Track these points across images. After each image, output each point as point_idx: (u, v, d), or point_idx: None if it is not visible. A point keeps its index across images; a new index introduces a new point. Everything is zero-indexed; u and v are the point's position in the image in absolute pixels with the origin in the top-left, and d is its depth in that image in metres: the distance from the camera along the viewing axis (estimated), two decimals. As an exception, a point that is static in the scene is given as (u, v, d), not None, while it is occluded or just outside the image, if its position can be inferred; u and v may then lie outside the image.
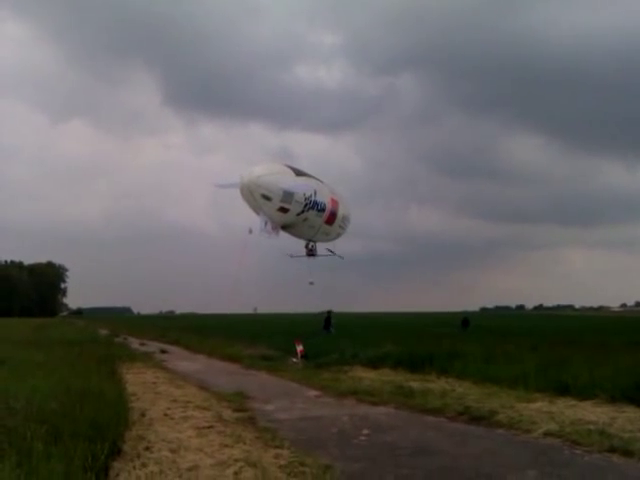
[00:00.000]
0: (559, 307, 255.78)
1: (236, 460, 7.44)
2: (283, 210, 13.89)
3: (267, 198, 13.60)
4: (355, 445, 9.08)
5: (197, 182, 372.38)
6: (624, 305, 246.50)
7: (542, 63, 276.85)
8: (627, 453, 8.07)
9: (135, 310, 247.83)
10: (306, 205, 14.29)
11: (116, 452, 7.73)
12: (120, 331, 50.13)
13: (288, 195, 13.81)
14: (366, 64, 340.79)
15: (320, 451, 8.33)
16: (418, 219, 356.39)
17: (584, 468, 7.58)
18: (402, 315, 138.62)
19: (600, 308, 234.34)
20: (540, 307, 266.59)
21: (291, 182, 14.04)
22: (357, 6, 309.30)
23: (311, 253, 16.52)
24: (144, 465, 7.23)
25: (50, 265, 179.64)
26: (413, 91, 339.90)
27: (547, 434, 9.37)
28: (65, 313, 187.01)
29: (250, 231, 13.93)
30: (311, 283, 16.23)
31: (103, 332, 48.88)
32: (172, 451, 8.01)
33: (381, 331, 42.74)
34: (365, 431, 10.01)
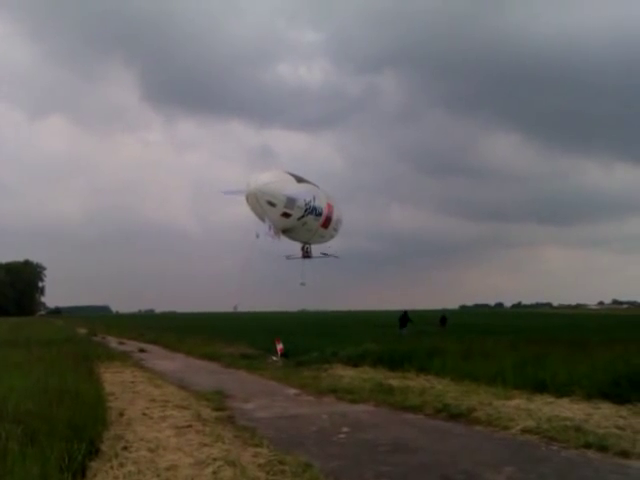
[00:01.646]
0: (537, 305, 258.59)
1: (215, 459, 7.41)
2: (286, 215, 14.64)
3: (272, 204, 14.31)
4: (334, 443, 9.09)
5: (177, 179, 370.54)
6: (601, 303, 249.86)
7: (522, 62, 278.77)
8: (602, 448, 8.18)
9: (114, 309, 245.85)
10: (306, 210, 15.04)
11: (94, 452, 7.66)
12: (98, 330, 49.74)
13: (291, 201, 14.55)
14: (347, 62, 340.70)
15: (299, 449, 8.33)
16: (398, 217, 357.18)
17: (560, 464, 7.66)
18: (382, 313, 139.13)
19: (578, 306, 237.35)
20: (519, 305, 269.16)
21: (293, 189, 14.72)
22: (338, 4, 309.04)
23: (307, 255, 17.03)
24: (122, 465, 7.17)
25: (27, 264, 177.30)
26: (394, 89, 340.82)
27: (525, 431, 9.47)
28: (43, 312, 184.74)
29: (257, 235, 14.61)
30: (302, 284, 16.51)
31: (81, 331, 48.48)
32: (150, 450, 7.95)
33: (361, 329, 42.93)
34: (345, 429, 10.03)
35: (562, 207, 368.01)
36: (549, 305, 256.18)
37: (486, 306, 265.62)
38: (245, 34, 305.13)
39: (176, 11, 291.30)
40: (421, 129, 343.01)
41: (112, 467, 7.06)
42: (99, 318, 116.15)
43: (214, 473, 6.83)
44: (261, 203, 14.36)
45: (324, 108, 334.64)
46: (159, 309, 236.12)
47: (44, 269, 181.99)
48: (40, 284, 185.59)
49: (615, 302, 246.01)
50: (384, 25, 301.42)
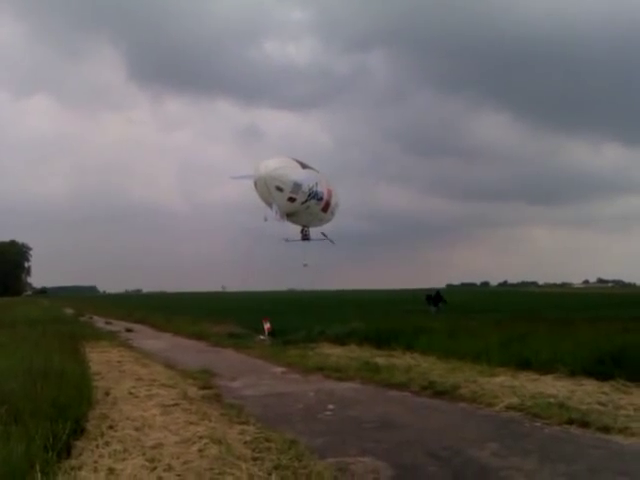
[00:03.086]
0: (523, 284, 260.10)
1: (201, 437, 7.42)
2: (291, 200, 15.23)
3: (280, 189, 14.91)
4: (320, 420, 9.16)
5: (164, 159, 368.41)
6: (586, 282, 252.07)
7: (512, 41, 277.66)
8: (584, 424, 8.30)
9: (101, 289, 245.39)
10: (309, 195, 15.65)
11: (79, 431, 7.64)
12: (85, 310, 49.59)
13: (297, 186, 15.14)
14: (336, 41, 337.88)
15: (285, 426, 8.39)
16: (386, 197, 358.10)
17: (543, 440, 7.76)
18: (369, 292, 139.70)
19: (563, 285, 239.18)
20: (505, 284, 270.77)
21: (299, 174, 15.34)
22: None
23: (306, 237, 17.52)
24: (107, 444, 7.16)
25: (13, 244, 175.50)
26: (383, 69, 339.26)
27: (509, 407, 9.57)
28: (29, 292, 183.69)
29: (265, 219, 15.29)
30: (305, 265, 17.06)
31: (68, 311, 48.34)
32: (136, 429, 7.95)
33: (348, 308, 43.06)
34: (330, 406, 10.10)
35: (549, 187, 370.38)
36: (535, 284, 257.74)
37: (472, 285, 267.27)
38: (232, 12, 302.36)
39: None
40: (409, 109, 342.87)
41: (97, 446, 7.05)
42: (86, 298, 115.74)
43: (200, 451, 6.85)
44: (270, 188, 14.94)
45: (312, 87, 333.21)
46: (147, 289, 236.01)
47: (30, 249, 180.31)
48: (26, 264, 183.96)
49: (600, 281, 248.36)
50: (373, 4, 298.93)
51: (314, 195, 15.83)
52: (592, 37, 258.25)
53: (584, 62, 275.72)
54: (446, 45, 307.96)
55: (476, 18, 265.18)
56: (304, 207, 15.87)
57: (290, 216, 16.13)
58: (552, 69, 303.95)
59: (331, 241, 18.21)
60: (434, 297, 36.97)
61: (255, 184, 15.28)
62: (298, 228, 17.32)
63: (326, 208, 16.81)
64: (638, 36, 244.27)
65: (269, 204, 15.37)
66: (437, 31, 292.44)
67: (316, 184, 15.91)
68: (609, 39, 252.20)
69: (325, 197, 16.47)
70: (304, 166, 15.83)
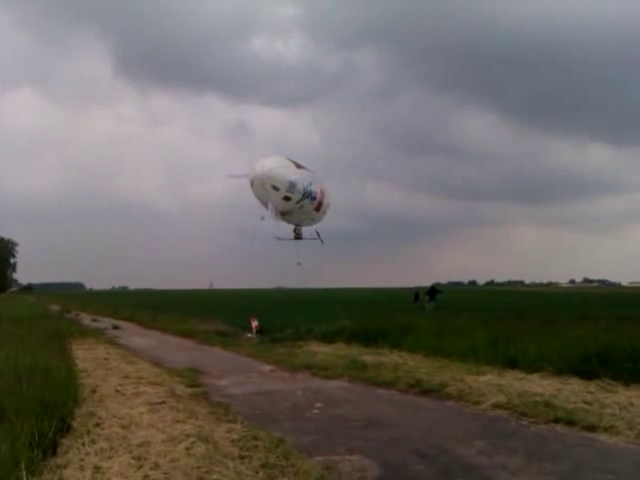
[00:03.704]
0: (510, 283, 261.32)
1: (188, 435, 7.39)
2: (286, 199, 15.50)
3: (276, 188, 15.18)
4: (308, 419, 9.16)
5: (151, 155, 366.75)
6: (572, 281, 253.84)
7: (499, 42, 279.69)
8: (570, 423, 8.36)
9: (87, 286, 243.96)
10: (304, 194, 15.90)
11: (65, 429, 7.60)
12: (72, 307, 49.29)
13: (292, 186, 15.41)
14: (325, 38, 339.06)
15: (273, 425, 8.38)
16: (374, 195, 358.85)
17: (530, 438, 7.81)
18: (357, 290, 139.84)
19: (549, 284, 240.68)
20: (491, 283, 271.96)
21: (294, 174, 15.65)
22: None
23: (298, 236, 17.73)
24: (94, 441, 7.12)
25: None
26: (372, 66, 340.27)
27: (495, 406, 9.62)
28: (15, 289, 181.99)
29: (262, 218, 15.56)
30: (299, 264, 17.38)
31: (54, 308, 47.96)
32: (123, 427, 7.91)
33: (336, 306, 43.07)
34: (318, 405, 10.11)
35: (535, 186, 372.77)
36: (521, 283, 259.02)
37: (459, 284, 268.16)
38: (221, 7, 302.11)
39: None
40: (398, 107, 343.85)
41: (84, 444, 7.01)
42: (72, 295, 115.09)
43: (187, 449, 6.82)
44: (266, 187, 15.21)
45: (301, 84, 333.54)
46: (133, 286, 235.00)
47: (16, 245, 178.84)
48: (12, 260, 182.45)
49: (586, 280, 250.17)
50: (362, 1, 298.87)
51: (308, 194, 16.10)
52: (579, 37, 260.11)
53: (570, 62, 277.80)
54: (434, 44, 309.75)
55: (465, 18, 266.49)
56: (298, 206, 16.13)
57: (284, 215, 16.38)
58: (538, 69, 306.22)
59: (321, 241, 18.39)
60: (429, 292, 37.23)
61: (251, 183, 15.52)
62: (289, 227, 17.48)
63: (319, 207, 17.10)
64: (625, 36, 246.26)
65: (264, 203, 15.60)
66: (426, 30, 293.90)
67: (310, 184, 16.19)
68: (595, 39, 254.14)
69: (318, 197, 16.77)
70: (298, 166, 16.11)
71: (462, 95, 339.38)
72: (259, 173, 15.29)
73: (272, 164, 15.56)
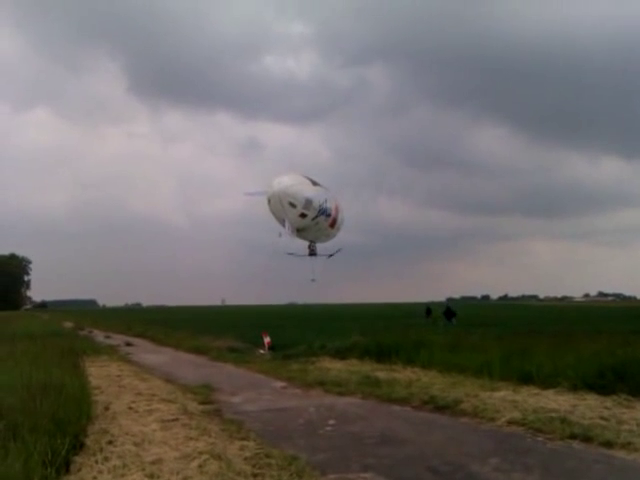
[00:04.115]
0: (524, 297, 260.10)
1: (201, 453, 7.37)
2: (303, 215, 15.61)
3: (293, 205, 15.30)
4: (321, 436, 9.09)
5: (164, 172, 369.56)
6: (587, 295, 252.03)
7: (510, 56, 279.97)
8: (587, 439, 8.24)
9: (100, 303, 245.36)
10: (319, 211, 16.05)
11: (78, 446, 7.61)
12: (85, 324, 49.50)
13: (308, 202, 15.55)
14: (336, 55, 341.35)
15: (286, 442, 8.33)
16: (387, 210, 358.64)
17: (546, 455, 7.71)
18: (369, 306, 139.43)
19: (564, 298, 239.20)
20: (505, 297, 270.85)
21: (311, 191, 15.79)
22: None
23: (312, 253, 17.76)
24: (107, 459, 7.11)
25: (13, 257, 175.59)
26: (383, 82, 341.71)
27: (510, 422, 9.51)
28: (29, 306, 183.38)
29: (280, 235, 15.72)
30: (313, 280, 17.32)
31: (67, 325, 48.17)
32: (136, 444, 7.90)
33: (348, 322, 42.97)
34: (331, 421, 10.03)
35: (549, 200, 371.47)
36: (535, 297, 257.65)
37: (473, 299, 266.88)
38: (232, 25, 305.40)
39: (162, 3, 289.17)
40: (409, 122, 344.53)
41: (97, 461, 7.01)
42: (86, 312, 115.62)
43: (200, 467, 6.80)
44: (283, 204, 15.32)
45: (312, 100, 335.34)
46: (146, 303, 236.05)
47: (30, 262, 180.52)
48: (26, 278, 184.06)
49: (601, 294, 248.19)
50: (373, 18, 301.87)
51: (323, 211, 16.23)
52: (591, 50, 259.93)
53: (583, 75, 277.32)
54: (445, 59, 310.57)
55: (475, 32, 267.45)
56: (314, 223, 16.24)
57: (299, 232, 16.47)
58: (550, 82, 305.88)
59: (339, 250, 18.46)
60: (446, 312, 37.75)
61: (269, 200, 15.63)
62: (303, 243, 17.53)
63: (333, 224, 17.22)
64: (638, 49, 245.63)
65: (281, 220, 15.70)
66: (436, 45, 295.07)
67: (325, 200, 16.33)
68: (608, 52, 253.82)
69: (333, 213, 16.90)
70: (314, 183, 16.27)
71: (474, 110, 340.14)
72: (276, 190, 15.40)
73: (289, 181, 15.69)
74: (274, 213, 15.82)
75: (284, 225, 15.48)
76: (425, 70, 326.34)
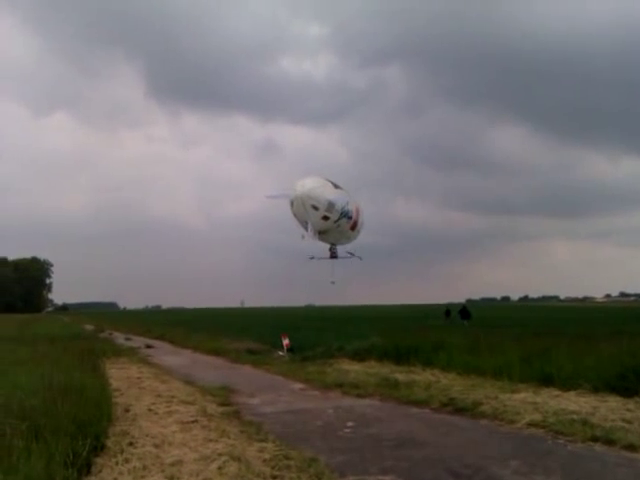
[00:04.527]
0: (544, 298, 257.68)
1: (220, 454, 7.39)
2: (325, 218, 15.77)
3: (315, 208, 15.46)
4: (340, 437, 9.09)
5: (183, 175, 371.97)
6: (608, 296, 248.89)
7: (528, 54, 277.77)
8: (609, 442, 8.14)
9: (121, 305, 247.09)
10: (341, 214, 16.18)
11: (99, 448, 7.67)
12: (105, 326, 49.87)
13: (331, 205, 15.69)
14: (352, 56, 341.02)
15: (305, 444, 8.33)
16: (404, 211, 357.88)
17: (566, 457, 7.63)
18: (388, 307, 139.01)
19: (585, 299, 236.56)
20: (525, 298, 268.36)
21: (333, 194, 15.95)
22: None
23: (333, 255, 17.91)
24: (127, 461, 7.17)
25: (35, 260, 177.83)
26: (399, 83, 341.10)
27: (530, 424, 9.43)
28: (50, 309, 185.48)
29: (303, 237, 15.87)
30: (333, 282, 17.44)
31: (88, 327, 48.62)
32: (156, 446, 7.95)
33: (366, 324, 42.89)
34: (350, 423, 10.02)
35: (569, 200, 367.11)
36: (556, 298, 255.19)
37: (493, 300, 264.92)
38: (248, 28, 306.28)
39: (179, 6, 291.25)
40: (426, 122, 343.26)
41: (117, 463, 7.07)
42: (106, 314, 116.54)
43: (219, 468, 6.82)
44: (306, 207, 15.49)
45: (329, 102, 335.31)
46: (166, 305, 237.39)
47: (51, 265, 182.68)
48: (47, 281, 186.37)
49: (622, 295, 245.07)
50: (389, 18, 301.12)
51: (345, 214, 16.34)
52: (611, 49, 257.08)
53: (603, 74, 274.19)
54: (463, 58, 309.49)
55: (493, 31, 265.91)
56: (335, 225, 16.36)
57: (321, 234, 16.62)
58: (570, 81, 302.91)
59: (359, 258, 18.59)
60: (461, 311, 37.81)
61: (291, 203, 15.79)
62: (324, 246, 17.64)
63: (354, 227, 17.31)
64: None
65: (303, 222, 15.85)
66: (454, 45, 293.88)
67: (347, 203, 16.45)
68: (628, 52, 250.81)
69: (354, 216, 17.02)
70: (336, 186, 16.44)
71: (492, 109, 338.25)
72: (299, 193, 15.53)
73: (312, 184, 15.82)
74: (296, 215, 15.95)
75: (306, 227, 15.59)
76: (442, 70, 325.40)
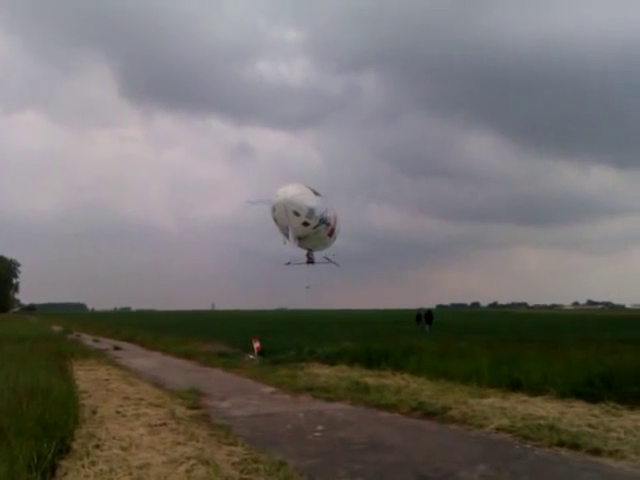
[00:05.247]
0: (513, 305, 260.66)
1: (188, 458, 7.32)
2: (305, 224, 16.17)
3: (297, 214, 15.85)
4: (309, 441, 9.06)
5: (154, 176, 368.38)
6: (576, 303, 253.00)
7: (502, 65, 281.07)
8: (575, 447, 8.26)
9: (90, 306, 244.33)
10: (320, 220, 16.57)
11: (65, 450, 7.54)
12: (73, 328, 49.18)
13: (311, 212, 16.08)
14: (328, 61, 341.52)
15: (274, 448, 8.28)
16: (377, 217, 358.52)
17: (533, 462, 7.71)
18: (359, 312, 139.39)
19: (553, 306, 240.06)
20: (495, 305, 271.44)
21: (313, 201, 16.33)
22: (320, 3, 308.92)
23: (310, 260, 18.20)
24: (93, 463, 7.06)
25: (1, 260, 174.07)
26: (375, 89, 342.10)
27: (499, 429, 9.52)
28: (17, 309, 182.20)
29: (284, 242, 16.40)
30: (307, 287, 17.68)
31: (56, 328, 47.86)
32: (123, 449, 7.84)
33: (338, 328, 42.95)
34: (320, 427, 10.00)
35: (539, 208, 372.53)
36: (525, 305, 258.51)
37: (463, 305, 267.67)
38: (225, 31, 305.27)
39: (156, 7, 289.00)
40: (401, 129, 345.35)
41: (83, 466, 6.95)
42: (74, 315, 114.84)
43: (187, 472, 6.76)
44: (288, 213, 15.84)
45: (304, 107, 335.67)
46: (135, 307, 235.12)
47: (18, 265, 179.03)
48: (14, 280, 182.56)
49: (590, 302, 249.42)
50: (366, 25, 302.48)
51: (324, 220, 16.64)
52: (583, 60, 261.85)
53: (573, 85, 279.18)
54: (438, 67, 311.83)
55: (467, 41, 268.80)
56: (314, 232, 16.66)
57: (300, 240, 16.86)
58: (541, 92, 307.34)
59: (336, 264, 18.75)
60: (426, 315, 37.82)
61: (273, 208, 16.06)
62: (301, 251, 17.89)
63: (331, 233, 17.64)
64: (629, 59, 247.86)
65: (284, 227, 16.12)
66: (429, 53, 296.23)
67: (326, 210, 16.78)
68: (600, 62, 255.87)
69: (332, 223, 17.33)
70: (316, 193, 16.69)
71: (465, 118, 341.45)
72: (282, 199, 15.81)
73: (294, 191, 16.11)
74: (277, 221, 16.21)
75: (287, 233, 15.89)
76: (417, 78, 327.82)
